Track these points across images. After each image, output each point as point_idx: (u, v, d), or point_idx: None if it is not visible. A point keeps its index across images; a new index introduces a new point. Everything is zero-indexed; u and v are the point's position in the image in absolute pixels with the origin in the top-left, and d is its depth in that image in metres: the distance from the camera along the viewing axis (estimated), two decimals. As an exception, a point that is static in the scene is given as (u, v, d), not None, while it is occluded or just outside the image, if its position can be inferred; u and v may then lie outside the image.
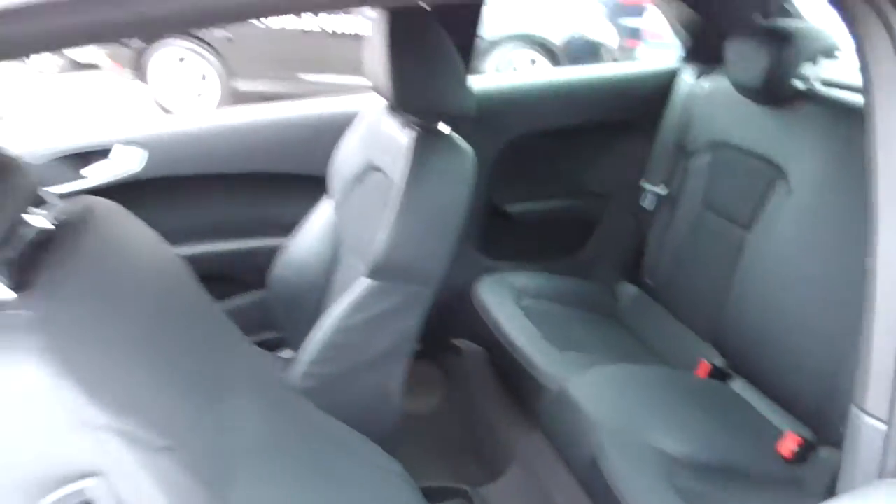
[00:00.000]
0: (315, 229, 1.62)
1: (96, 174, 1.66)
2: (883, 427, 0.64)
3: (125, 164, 1.69)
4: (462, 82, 1.31)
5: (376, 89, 1.38)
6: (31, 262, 0.69)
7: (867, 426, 0.65)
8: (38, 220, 0.71)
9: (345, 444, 1.10)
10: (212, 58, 5.79)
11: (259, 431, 0.87)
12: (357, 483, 1.01)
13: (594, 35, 6.62)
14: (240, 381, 0.93)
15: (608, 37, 6.72)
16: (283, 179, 1.81)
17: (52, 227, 0.72)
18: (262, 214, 1.83)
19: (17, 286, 0.64)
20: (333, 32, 5.75)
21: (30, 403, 0.57)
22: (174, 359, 0.79)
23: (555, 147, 2.04)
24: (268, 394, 1.02)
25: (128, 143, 1.70)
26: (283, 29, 5.74)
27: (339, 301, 1.32)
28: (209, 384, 0.83)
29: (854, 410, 0.66)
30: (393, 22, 1.25)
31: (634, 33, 7.13)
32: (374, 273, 1.26)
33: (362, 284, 1.27)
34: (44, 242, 0.71)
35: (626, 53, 6.57)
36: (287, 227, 1.70)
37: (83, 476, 0.56)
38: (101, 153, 1.69)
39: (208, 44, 5.74)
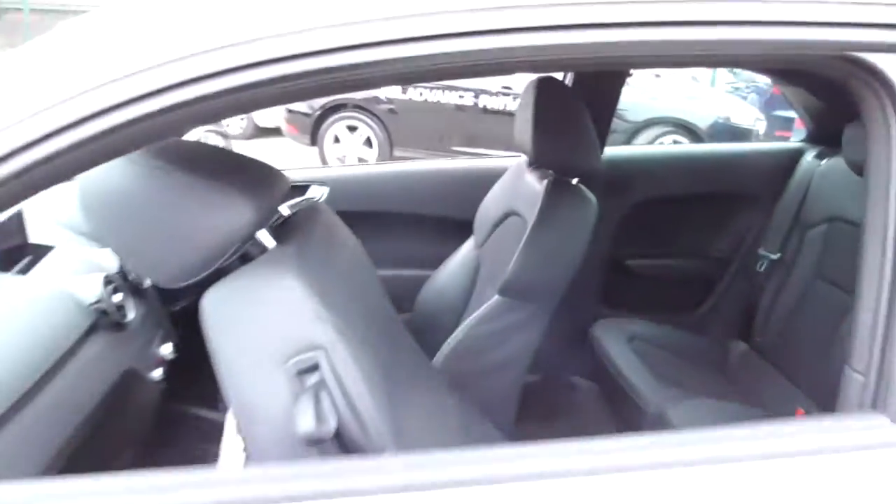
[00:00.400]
0: (457, 263, 1.93)
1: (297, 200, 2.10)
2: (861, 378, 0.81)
3: (316, 194, 2.11)
4: (593, 146, 1.60)
5: (521, 147, 1.69)
6: (283, 229, 1.06)
7: (853, 380, 0.83)
8: (285, 209, 1.08)
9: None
10: (377, 127, 6.46)
11: (417, 375, 1.18)
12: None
13: (740, 121, 6.71)
14: (405, 348, 1.25)
15: (754, 122, 6.78)
16: (437, 221, 2.15)
17: (292, 213, 1.10)
18: (415, 248, 2.18)
19: (277, 240, 1.00)
20: (485, 108, 6.26)
21: (288, 301, 0.91)
22: (367, 303, 1.13)
23: (680, 211, 2.26)
24: (422, 366, 1.34)
25: (316, 181, 2.12)
26: (439, 103, 6.32)
27: (473, 315, 1.61)
28: (386, 331, 1.17)
29: (846, 370, 0.84)
30: (538, 94, 1.57)
31: (787, 124, 7.16)
32: (503, 290, 1.54)
33: (492, 300, 1.56)
34: (287, 220, 1.09)
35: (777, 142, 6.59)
36: (435, 262, 2.02)
37: (313, 349, 0.88)
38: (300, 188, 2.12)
39: (376, 115, 6.42)
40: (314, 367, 0.88)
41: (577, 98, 1.68)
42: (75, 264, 1.36)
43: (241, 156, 1.13)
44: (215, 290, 0.93)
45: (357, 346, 0.93)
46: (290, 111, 6.91)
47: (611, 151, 2.24)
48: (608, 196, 1.78)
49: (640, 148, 2.77)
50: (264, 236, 0.99)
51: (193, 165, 0.96)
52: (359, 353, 0.92)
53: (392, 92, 6.30)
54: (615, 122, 2.44)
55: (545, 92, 1.58)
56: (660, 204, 2.23)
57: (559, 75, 1.93)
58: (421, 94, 6.30)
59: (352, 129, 6.53)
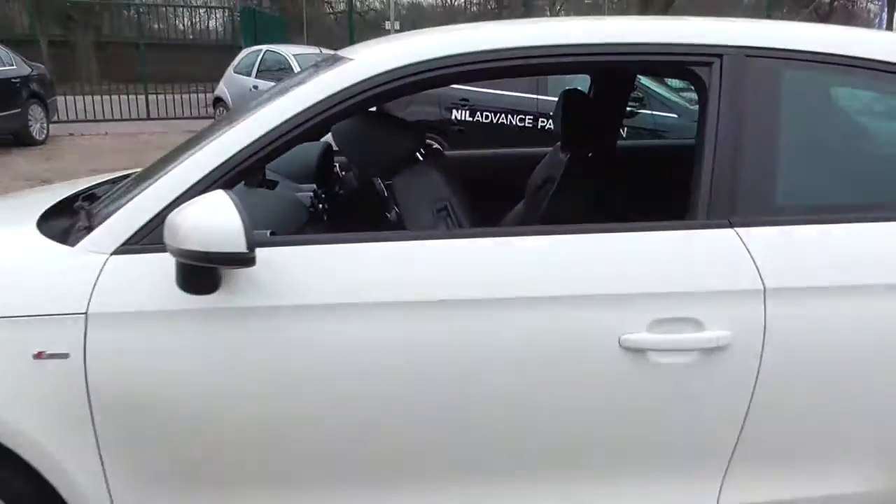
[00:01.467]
0: (518, 208, 2.91)
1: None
2: None
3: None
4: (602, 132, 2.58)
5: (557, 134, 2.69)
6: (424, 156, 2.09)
7: None
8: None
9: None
10: (447, 146, 7.52)
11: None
12: None
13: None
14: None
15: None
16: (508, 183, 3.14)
17: (426, 150, 2.12)
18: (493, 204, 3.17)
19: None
20: (543, 129, 7.24)
21: (429, 181, 1.93)
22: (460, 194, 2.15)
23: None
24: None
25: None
26: (503, 125, 7.33)
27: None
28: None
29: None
30: (566, 101, 2.57)
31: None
32: (540, 219, 2.51)
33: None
34: (426, 153, 2.12)
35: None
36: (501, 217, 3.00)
37: (443, 199, 1.89)
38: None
39: (447, 135, 7.48)
40: (445, 207, 1.88)
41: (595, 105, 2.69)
42: (291, 189, 2.39)
43: (397, 117, 2.16)
44: (400, 176, 1.95)
45: (459, 202, 1.93)
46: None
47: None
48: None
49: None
50: (417, 155, 2.01)
51: (383, 118, 2.00)
52: (460, 201, 1.93)
53: (462, 115, 7.36)
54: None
55: (571, 100, 2.59)
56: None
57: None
58: (487, 116, 7.33)
59: (427, 146, 7.61)
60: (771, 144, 1.62)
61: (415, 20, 28.88)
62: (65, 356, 1.51)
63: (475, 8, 36.12)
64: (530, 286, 1.53)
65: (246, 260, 1.40)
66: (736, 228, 1.58)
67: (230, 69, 12.82)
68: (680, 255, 1.56)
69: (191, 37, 25.57)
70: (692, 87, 1.78)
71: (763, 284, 1.54)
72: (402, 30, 17.07)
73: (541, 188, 2.74)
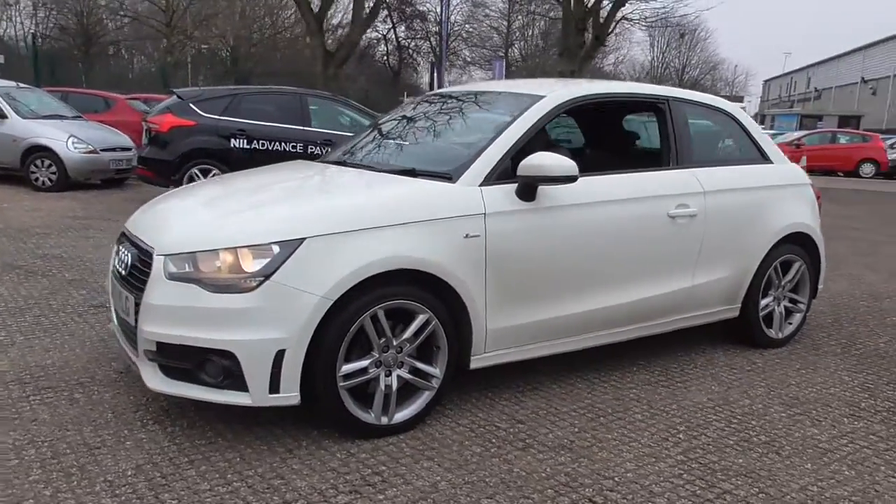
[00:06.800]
0: None
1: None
2: None
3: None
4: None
5: None
6: None
7: None
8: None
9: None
10: (228, 170, 8.46)
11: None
12: None
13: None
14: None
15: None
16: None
17: None
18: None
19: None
20: (313, 154, 8.73)
21: None
22: None
23: None
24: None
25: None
26: (277, 150, 8.60)
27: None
28: None
29: None
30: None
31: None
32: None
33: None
34: None
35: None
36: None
37: None
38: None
39: (228, 161, 8.42)
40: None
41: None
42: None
43: None
44: None
45: None
46: (144, 159, 8.55)
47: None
48: None
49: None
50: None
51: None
52: None
53: (241, 143, 8.43)
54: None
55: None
56: None
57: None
58: (263, 144, 8.53)
59: (205, 171, 8.40)
60: (688, 132, 3.94)
61: None
62: (477, 236, 2.98)
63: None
64: (636, 192, 3.54)
65: (574, 179, 3.09)
66: (690, 169, 3.82)
67: None
68: (676, 178, 3.74)
69: None
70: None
71: (703, 189, 3.80)
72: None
73: None
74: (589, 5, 19.95)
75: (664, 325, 3.81)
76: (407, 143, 3.81)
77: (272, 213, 2.87)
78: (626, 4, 20.41)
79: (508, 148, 3.20)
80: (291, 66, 32.92)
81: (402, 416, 2.92)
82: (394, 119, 4.21)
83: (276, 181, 3.60)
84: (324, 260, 2.66)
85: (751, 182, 4.10)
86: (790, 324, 4.40)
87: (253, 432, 2.88)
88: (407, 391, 2.94)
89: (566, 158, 3.08)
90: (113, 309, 3.26)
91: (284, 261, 2.63)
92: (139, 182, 10.06)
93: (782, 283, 4.30)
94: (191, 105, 8.47)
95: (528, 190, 3.12)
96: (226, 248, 2.67)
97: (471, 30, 43.01)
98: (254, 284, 2.61)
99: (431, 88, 16.54)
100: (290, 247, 2.65)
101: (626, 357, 3.92)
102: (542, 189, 3.15)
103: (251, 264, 2.64)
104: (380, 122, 4.30)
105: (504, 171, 3.15)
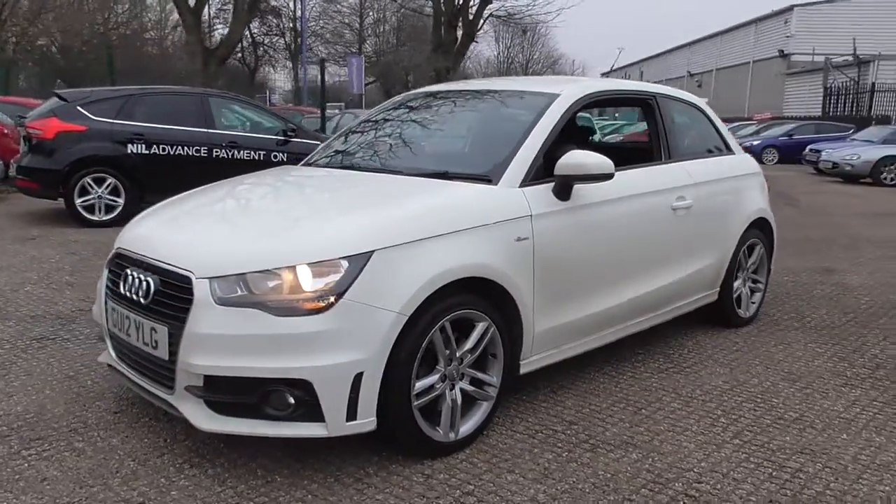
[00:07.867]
0: None
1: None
2: None
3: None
4: None
5: None
6: None
7: None
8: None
9: None
10: (125, 178, 7.73)
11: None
12: None
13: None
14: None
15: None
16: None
17: None
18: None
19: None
20: (218, 158, 8.18)
21: None
22: None
23: None
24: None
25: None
26: (181, 155, 7.99)
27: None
28: None
29: None
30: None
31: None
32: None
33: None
34: None
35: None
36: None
37: None
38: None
39: (124, 168, 7.70)
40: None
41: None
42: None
43: None
44: None
45: None
46: (25, 168, 7.64)
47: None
48: None
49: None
50: None
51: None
52: None
53: (139, 149, 7.74)
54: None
55: None
56: None
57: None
58: (164, 149, 7.88)
59: (99, 181, 7.64)
60: (675, 127, 4.07)
61: None
62: (526, 238, 2.90)
63: None
64: (649, 186, 3.61)
65: (611, 176, 3.09)
66: (680, 162, 3.95)
67: None
68: (674, 171, 3.86)
69: None
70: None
71: (694, 181, 3.94)
72: None
73: None
74: (459, 3, 20.24)
75: (669, 312, 3.94)
76: (424, 144, 3.65)
77: (331, 227, 2.63)
78: (493, 2, 20.92)
79: (540, 147, 3.14)
80: (164, 65, 30.87)
81: (465, 429, 2.79)
82: (394, 119, 4.02)
83: (297, 190, 3.37)
84: (394, 273, 2.48)
85: (726, 172, 4.32)
86: (753, 303, 4.69)
87: (306, 464, 2.64)
88: (466, 404, 2.82)
89: (603, 156, 3.08)
90: (111, 343, 2.87)
91: (356, 276, 2.42)
92: (14, 194, 8.98)
93: (747, 265, 4.58)
94: (78, 108, 7.66)
95: (565, 189, 3.09)
96: (286, 267, 2.42)
97: (324, 25, 42.24)
98: (324, 304, 2.38)
99: (323, 87, 16.02)
100: (361, 261, 2.44)
101: (624, 348, 4.00)
102: (576, 188, 3.13)
103: (317, 282, 2.41)
104: (371, 121, 4.09)
105: (538, 171, 3.09)
